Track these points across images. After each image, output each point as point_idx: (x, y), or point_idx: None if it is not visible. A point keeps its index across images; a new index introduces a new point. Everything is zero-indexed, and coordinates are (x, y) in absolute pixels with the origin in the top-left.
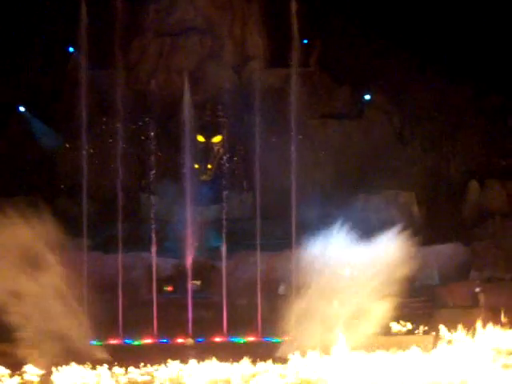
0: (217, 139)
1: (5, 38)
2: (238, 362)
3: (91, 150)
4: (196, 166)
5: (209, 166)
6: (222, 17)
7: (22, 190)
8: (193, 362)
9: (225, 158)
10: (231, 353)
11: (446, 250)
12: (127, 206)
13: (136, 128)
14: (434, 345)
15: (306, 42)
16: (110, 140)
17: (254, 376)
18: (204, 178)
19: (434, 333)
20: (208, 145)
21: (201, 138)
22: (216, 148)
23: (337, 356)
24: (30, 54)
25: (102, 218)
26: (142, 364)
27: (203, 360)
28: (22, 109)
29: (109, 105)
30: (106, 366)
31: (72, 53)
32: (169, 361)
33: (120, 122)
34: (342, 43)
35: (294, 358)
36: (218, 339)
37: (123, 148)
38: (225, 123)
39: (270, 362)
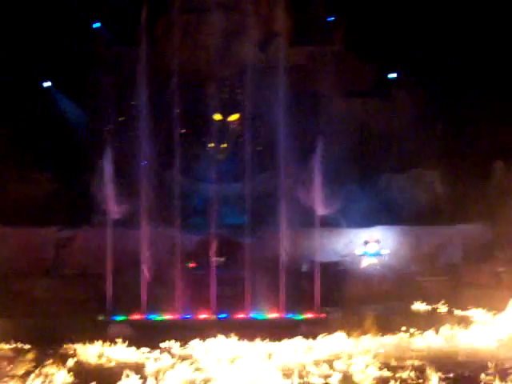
0: (233, 117)
1: (30, 14)
2: (260, 338)
3: (116, 126)
4: (211, 144)
5: (223, 145)
6: None
7: (48, 165)
8: (217, 338)
9: (247, 135)
10: (253, 329)
11: (470, 230)
12: (152, 182)
13: (160, 104)
14: (456, 324)
15: (331, 19)
16: (135, 114)
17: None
18: (219, 157)
19: (456, 312)
20: (224, 123)
21: (217, 117)
22: (232, 127)
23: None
24: (55, 30)
25: (127, 193)
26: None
27: (226, 336)
28: (47, 84)
29: (134, 81)
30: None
31: (97, 28)
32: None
33: (145, 98)
34: (368, 21)
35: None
36: (240, 316)
37: (148, 124)
38: (243, 101)
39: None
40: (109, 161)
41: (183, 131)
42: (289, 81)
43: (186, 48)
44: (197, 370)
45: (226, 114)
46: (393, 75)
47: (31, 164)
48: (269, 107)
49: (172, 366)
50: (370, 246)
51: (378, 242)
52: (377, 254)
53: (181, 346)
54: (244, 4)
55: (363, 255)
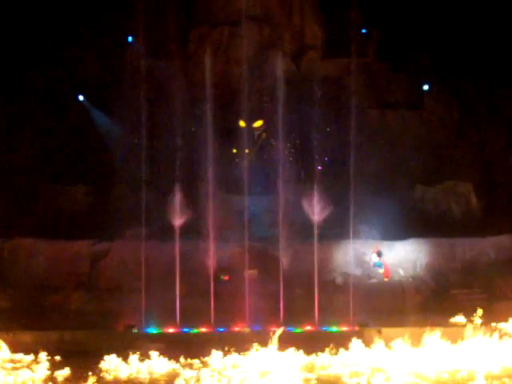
0: (257, 124)
1: (65, 28)
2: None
3: (150, 140)
4: (234, 150)
5: (246, 151)
6: (281, 6)
7: (82, 178)
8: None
9: (281, 147)
10: (288, 342)
11: (504, 241)
12: (184, 195)
13: (193, 117)
14: (491, 337)
15: (364, 31)
16: (168, 127)
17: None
18: (252, 168)
19: (492, 325)
20: (259, 137)
21: (242, 123)
22: (257, 133)
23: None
24: (89, 44)
25: (159, 206)
26: None
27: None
28: (81, 98)
29: (167, 93)
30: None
31: (131, 42)
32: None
33: (178, 111)
34: (400, 33)
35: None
36: (274, 328)
37: (181, 137)
38: (269, 108)
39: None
40: (143, 174)
41: (217, 144)
42: (322, 93)
43: (219, 61)
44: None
45: (246, 122)
46: (426, 86)
47: (65, 178)
48: (302, 120)
49: (208, 379)
50: (372, 257)
51: (379, 253)
52: (378, 265)
53: (216, 358)
54: (277, 17)
55: (375, 266)
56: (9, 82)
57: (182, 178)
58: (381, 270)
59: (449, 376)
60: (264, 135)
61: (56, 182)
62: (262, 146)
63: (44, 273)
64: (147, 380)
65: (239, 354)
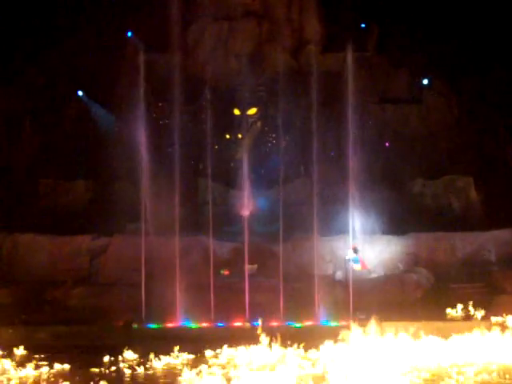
0: (252, 111)
1: (63, 23)
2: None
3: (149, 134)
4: (227, 136)
5: (239, 136)
6: (280, 1)
7: (81, 173)
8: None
9: (280, 142)
10: (288, 337)
11: (504, 235)
12: (185, 190)
13: (193, 111)
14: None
15: (363, 26)
16: (167, 122)
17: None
18: (239, 154)
19: (492, 319)
20: (243, 117)
21: (237, 112)
22: (251, 121)
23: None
24: (87, 38)
25: (160, 201)
26: None
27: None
28: (80, 93)
29: (166, 88)
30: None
31: (130, 37)
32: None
33: (177, 105)
34: (400, 27)
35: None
36: (274, 323)
37: (180, 132)
38: (264, 97)
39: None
40: (142, 169)
41: (215, 138)
42: (321, 87)
43: (219, 55)
44: (235, 378)
45: (241, 110)
46: (426, 81)
47: (65, 173)
48: (301, 114)
49: (209, 374)
50: (349, 253)
51: (355, 250)
52: (355, 261)
53: (217, 353)
54: (276, 12)
55: (351, 262)
56: (7, 77)
57: (181, 173)
58: (356, 266)
59: (447, 369)
60: (259, 123)
61: (55, 177)
62: (256, 134)
63: (44, 268)
64: (148, 376)
65: (239, 348)
